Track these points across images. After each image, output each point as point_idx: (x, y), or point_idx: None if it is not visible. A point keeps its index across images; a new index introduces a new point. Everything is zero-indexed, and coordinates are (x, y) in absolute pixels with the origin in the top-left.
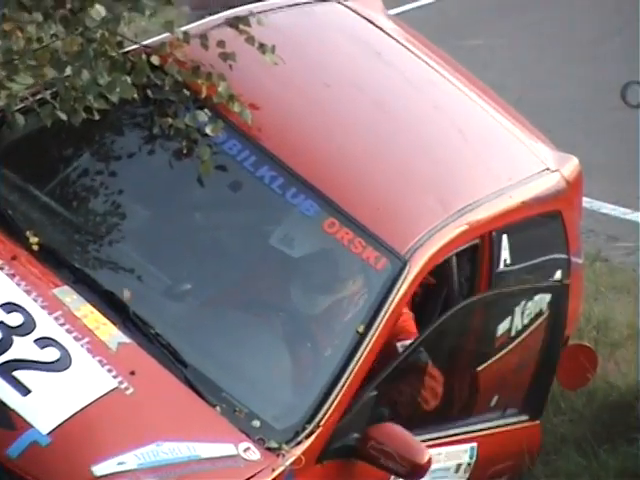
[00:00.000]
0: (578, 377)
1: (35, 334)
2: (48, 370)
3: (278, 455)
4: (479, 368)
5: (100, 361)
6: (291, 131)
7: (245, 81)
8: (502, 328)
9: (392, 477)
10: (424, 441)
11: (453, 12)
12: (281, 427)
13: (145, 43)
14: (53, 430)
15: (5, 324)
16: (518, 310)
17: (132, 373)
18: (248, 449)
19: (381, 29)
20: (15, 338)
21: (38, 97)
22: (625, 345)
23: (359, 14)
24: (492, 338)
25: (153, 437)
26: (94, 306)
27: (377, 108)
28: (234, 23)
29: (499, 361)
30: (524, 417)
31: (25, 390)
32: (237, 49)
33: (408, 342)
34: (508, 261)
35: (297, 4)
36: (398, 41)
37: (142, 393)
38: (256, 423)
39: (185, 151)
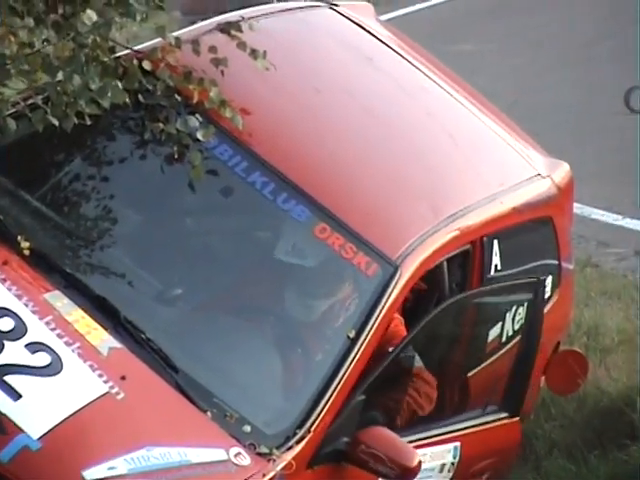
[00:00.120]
0: (569, 383)
1: (26, 339)
2: (39, 375)
3: (269, 460)
4: (469, 373)
5: (91, 366)
6: (282, 137)
7: (236, 87)
8: (493, 333)
9: None
10: (409, 442)
11: (444, 17)
12: (272, 432)
13: (137, 48)
14: (44, 435)
15: None
16: (509, 316)
17: (123, 378)
18: (239, 454)
19: (372, 35)
20: (6, 343)
21: (30, 102)
22: (616, 351)
23: (351, 20)
24: (482, 343)
25: (144, 442)
26: (85, 311)
27: (368, 114)
28: (226, 28)
29: (490, 366)
30: (503, 414)
31: (16, 395)
32: (229, 55)
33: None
34: (499, 267)
35: (289, 10)
36: (389, 47)
37: (133, 398)
38: (247, 428)
39: (176, 156)
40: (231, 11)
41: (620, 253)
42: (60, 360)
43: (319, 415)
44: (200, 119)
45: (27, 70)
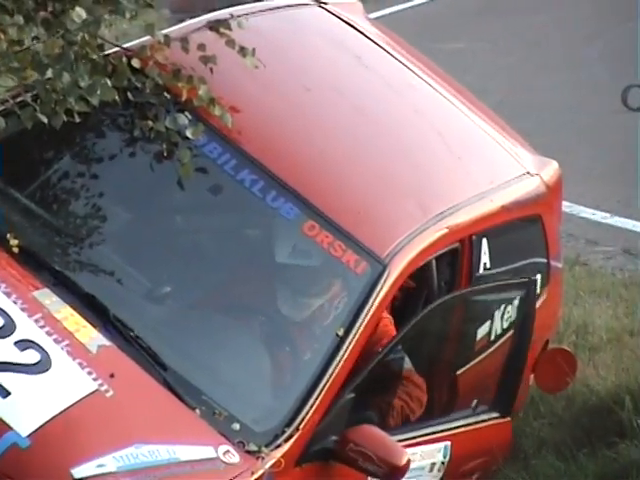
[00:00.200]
0: (557, 381)
1: (15, 336)
2: (28, 372)
3: (257, 458)
4: (458, 371)
5: (80, 363)
6: (271, 135)
7: (226, 84)
8: (481, 331)
9: (370, 479)
10: (399, 441)
11: (434, 16)
12: (261, 430)
13: (126, 46)
14: (33, 432)
15: None
16: (497, 314)
17: (112, 376)
18: (228, 452)
19: (362, 33)
20: None
21: (19, 99)
22: (604, 349)
23: (340, 18)
24: (470, 341)
25: (132, 439)
26: (74, 308)
27: (357, 112)
28: (215, 26)
29: (479, 364)
30: (494, 414)
31: (5, 392)
32: (218, 52)
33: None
34: (488, 265)
35: (278, 8)
36: (379, 45)
37: (122, 396)
38: (236, 426)
39: (165, 154)
40: (220, 9)
41: (609, 251)
42: (49, 358)
43: (308, 413)
44: (189, 117)
45: (16, 67)
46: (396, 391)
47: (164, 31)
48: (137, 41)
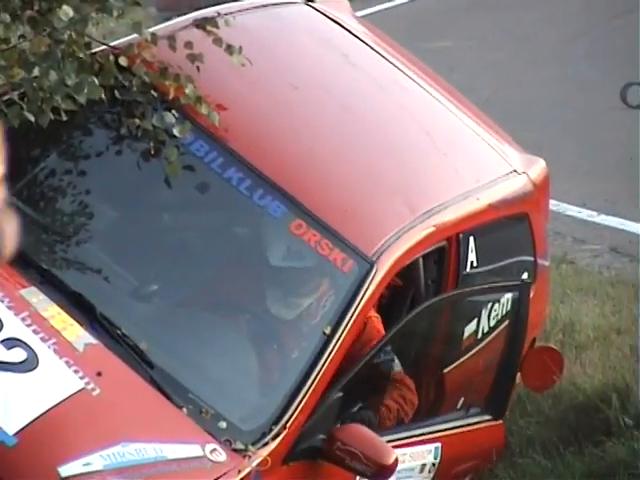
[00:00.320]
0: (544, 379)
1: (2, 335)
2: (15, 371)
3: (244, 456)
4: (445, 370)
5: (67, 362)
6: (259, 133)
7: (213, 82)
8: (469, 330)
9: (358, 478)
10: (389, 441)
11: (421, 13)
12: (248, 428)
13: (113, 44)
14: (20, 431)
15: None
16: (485, 312)
17: (99, 374)
18: (214, 450)
19: (349, 31)
20: None
21: (5, 98)
22: (591, 347)
23: (327, 16)
24: (458, 339)
25: (119, 438)
26: (61, 307)
27: (344, 110)
28: (202, 24)
29: (466, 363)
30: (487, 417)
31: None
32: (205, 50)
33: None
34: (475, 263)
35: (265, 6)
36: (366, 43)
37: (109, 394)
38: (223, 424)
39: (152, 152)
40: (207, 7)
41: (595, 249)
42: (36, 356)
43: (295, 411)
44: (176, 115)
45: (3, 66)
46: (388, 393)
47: (151, 29)
48: (124, 39)
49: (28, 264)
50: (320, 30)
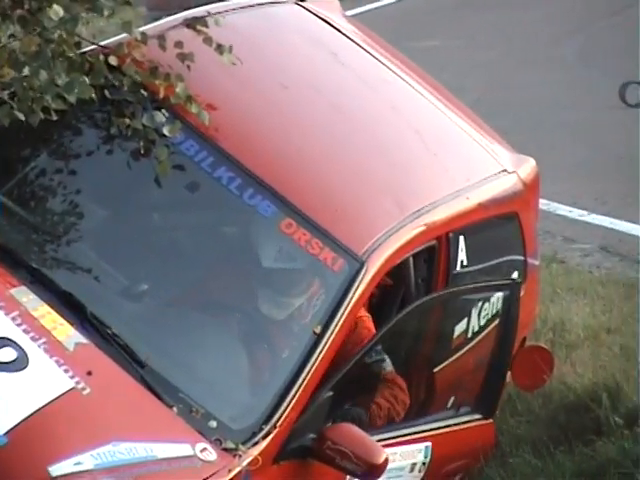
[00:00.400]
0: (534, 378)
1: None
2: (5, 370)
3: (235, 456)
4: (435, 369)
5: (57, 361)
6: (249, 132)
7: (203, 82)
8: (459, 329)
9: (348, 477)
10: (379, 441)
11: (410, 12)
12: (238, 428)
13: (103, 43)
14: (10, 430)
15: None
16: (475, 311)
17: (89, 373)
18: (205, 449)
19: (339, 30)
20: None
21: None
22: (581, 347)
23: (317, 15)
24: (448, 338)
25: (110, 437)
26: (51, 306)
27: (334, 109)
28: (192, 24)
29: (456, 362)
30: (477, 416)
31: None
32: (195, 50)
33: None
34: (465, 262)
35: (255, 5)
36: (355, 42)
37: (99, 393)
38: (213, 424)
39: (143, 152)
40: (196, 7)
41: (586, 249)
42: (26, 355)
43: (285, 411)
44: (166, 114)
45: None
46: (380, 391)
47: (141, 29)
48: (114, 39)
49: (18, 263)
50: (310, 29)
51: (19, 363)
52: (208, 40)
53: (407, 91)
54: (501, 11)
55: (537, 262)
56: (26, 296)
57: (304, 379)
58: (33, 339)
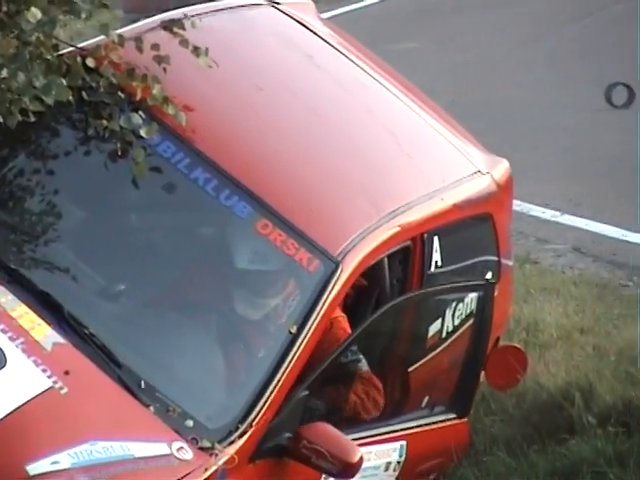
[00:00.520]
0: (508, 378)
1: None
2: None
3: (211, 454)
4: (410, 368)
5: (35, 361)
6: (225, 134)
7: (179, 84)
8: (433, 329)
9: (324, 476)
10: (354, 440)
11: (386, 15)
12: (214, 427)
13: (80, 46)
14: None
15: None
16: (449, 311)
17: (66, 373)
18: (181, 448)
19: (314, 33)
20: None
21: None
22: (554, 346)
23: (292, 17)
24: (422, 338)
25: (87, 436)
26: (29, 306)
27: (310, 111)
28: (168, 26)
29: (430, 361)
30: (451, 415)
31: None
32: (171, 52)
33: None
34: (439, 263)
35: (231, 8)
36: (331, 45)
37: (76, 393)
38: (189, 423)
39: (120, 153)
40: (173, 9)
41: (559, 249)
42: (4, 355)
43: (261, 410)
44: (143, 116)
45: None
46: (351, 385)
47: (118, 31)
48: (91, 41)
49: None
50: (285, 32)
51: None
52: (184, 42)
53: (382, 93)
54: (478, 14)
55: (511, 263)
56: (4, 296)
57: (280, 379)
58: (11, 339)
